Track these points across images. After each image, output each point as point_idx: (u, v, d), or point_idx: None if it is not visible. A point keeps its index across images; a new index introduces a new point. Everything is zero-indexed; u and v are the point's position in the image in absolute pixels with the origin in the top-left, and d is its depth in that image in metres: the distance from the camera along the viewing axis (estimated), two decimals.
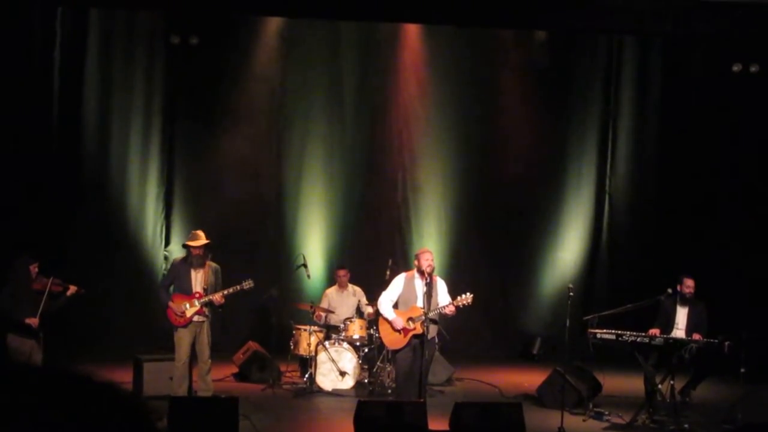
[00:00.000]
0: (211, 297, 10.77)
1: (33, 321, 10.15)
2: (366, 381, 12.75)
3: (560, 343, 11.81)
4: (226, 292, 10.88)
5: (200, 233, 11.03)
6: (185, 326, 10.77)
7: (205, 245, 10.95)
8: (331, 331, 12.95)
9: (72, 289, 10.53)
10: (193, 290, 10.82)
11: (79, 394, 1.41)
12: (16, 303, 10.18)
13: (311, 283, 14.61)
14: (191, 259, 10.93)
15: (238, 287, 10.98)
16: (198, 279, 10.87)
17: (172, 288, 11.08)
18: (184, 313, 10.72)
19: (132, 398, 1.46)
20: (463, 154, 16.58)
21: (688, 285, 11.47)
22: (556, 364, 12.14)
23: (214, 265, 11.04)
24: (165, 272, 14.86)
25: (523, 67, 16.62)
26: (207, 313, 10.86)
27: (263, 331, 14.62)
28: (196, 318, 10.79)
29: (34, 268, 10.28)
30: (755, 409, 10.88)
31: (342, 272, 13.63)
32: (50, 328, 10.54)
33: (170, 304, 10.82)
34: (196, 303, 10.75)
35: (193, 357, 10.90)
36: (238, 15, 15.89)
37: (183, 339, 10.82)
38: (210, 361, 10.99)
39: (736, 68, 15.61)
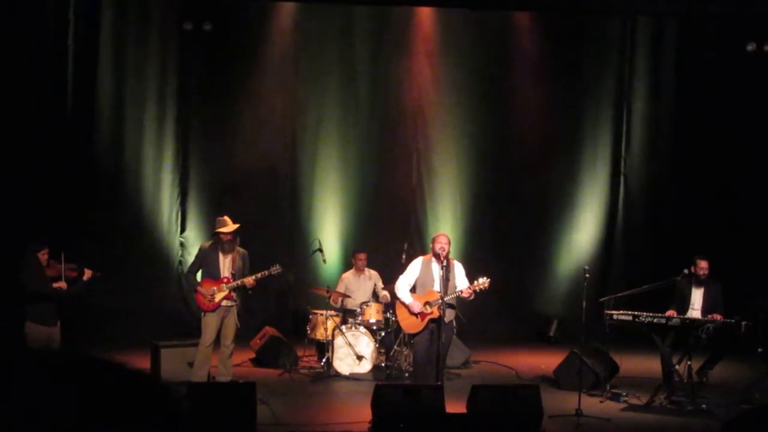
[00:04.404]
0: (243, 280, 10.80)
1: (61, 284, 10.14)
2: (383, 365, 12.74)
3: (577, 325, 11.81)
4: (259, 275, 10.91)
5: (227, 219, 11.00)
6: (213, 311, 10.83)
7: (235, 230, 10.95)
8: (347, 316, 12.98)
9: (88, 273, 10.48)
10: (222, 275, 10.86)
11: (111, 379, 1.42)
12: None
13: (327, 268, 14.62)
14: (222, 245, 10.90)
15: (266, 272, 11.01)
16: (226, 264, 10.89)
17: (200, 273, 11.11)
18: (213, 297, 10.77)
19: (160, 383, 1.47)
20: (478, 137, 16.54)
21: (702, 266, 11.44)
22: (572, 346, 12.14)
23: (242, 250, 11.04)
24: (183, 258, 15.04)
25: (536, 50, 16.54)
26: (235, 297, 10.91)
27: (280, 316, 14.71)
28: (224, 303, 10.83)
29: (43, 255, 10.20)
30: None
31: (362, 256, 13.61)
32: (67, 314, 10.56)
33: (199, 288, 10.87)
34: (224, 288, 10.80)
35: (216, 341, 10.93)
36: (251, 0, 15.92)
37: (210, 323, 10.84)
38: (233, 345, 10.99)
39: (750, 47, 15.54)
